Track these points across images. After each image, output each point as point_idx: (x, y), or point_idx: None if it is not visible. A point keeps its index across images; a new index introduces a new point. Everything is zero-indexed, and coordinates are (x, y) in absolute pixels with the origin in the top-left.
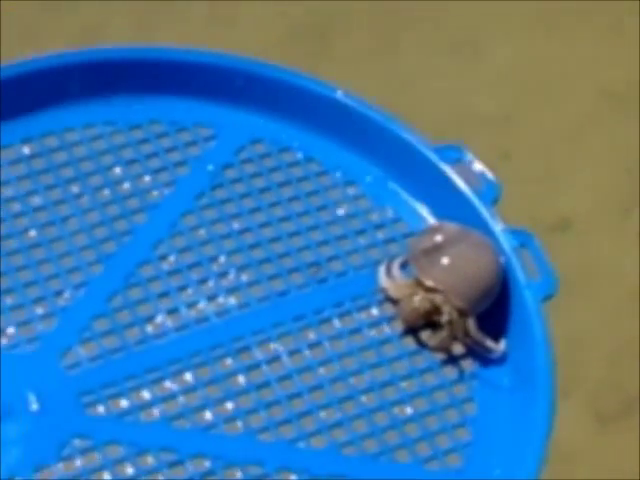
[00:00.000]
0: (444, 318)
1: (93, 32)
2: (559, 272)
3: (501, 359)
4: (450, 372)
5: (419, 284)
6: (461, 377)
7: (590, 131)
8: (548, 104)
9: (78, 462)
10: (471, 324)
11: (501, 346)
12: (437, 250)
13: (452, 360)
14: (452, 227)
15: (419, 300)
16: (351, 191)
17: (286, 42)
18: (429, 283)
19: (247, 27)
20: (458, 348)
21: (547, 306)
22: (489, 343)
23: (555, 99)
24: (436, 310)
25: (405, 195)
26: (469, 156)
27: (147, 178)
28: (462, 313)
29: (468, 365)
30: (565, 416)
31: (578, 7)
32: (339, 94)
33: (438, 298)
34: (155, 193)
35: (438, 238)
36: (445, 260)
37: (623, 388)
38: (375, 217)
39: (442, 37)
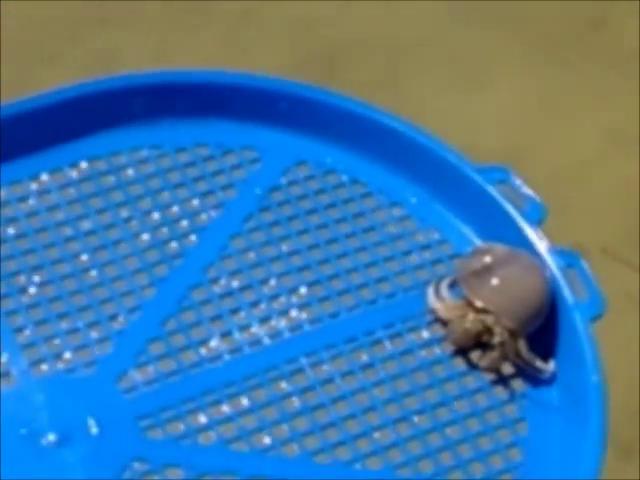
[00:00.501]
0: (496, 339)
1: (109, 58)
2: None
3: (551, 379)
4: (501, 392)
5: (469, 305)
6: (512, 397)
7: (596, 164)
8: (552, 141)
9: None
10: (522, 345)
11: (551, 366)
12: (487, 271)
13: (502, 380)
14: (501, 248)
15: (471, 321)
16: (397, 213)
17: (291, 73)
18: (480, 304)
19: (256, 54)
20: (508, 368)
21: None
22: (539, 363)
23: (559, 136)
24: (487, 331)
25: (450, 216)
26: (513, 177)
27: (195, 201)
28: (513, 334)
29: (518, 385)
30: None
31: (583, 45)
32: (383, 116)
33: (489, 319)
34: (204, 216)
35: (487, 259)
36: (495, 281)
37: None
38: (421, 238)
39: (447, 72)
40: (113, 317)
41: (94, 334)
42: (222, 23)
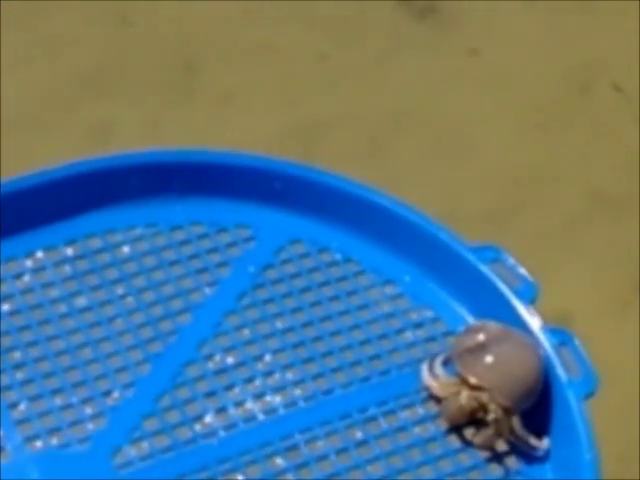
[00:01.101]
0: (490, 416)
1: (99, 131)
2: None
3: (545, 457)
4: (495, 470)
5: (463, 382)
6: (506, 475)
7: (581, 230)
8: (538, 203)
9: None
10: (516, 422)
11: (545, 444)
12: (481, 349)
13: (497, 458)
14: (494, 326)
15: (465, 398)
16: (390, 291)
17: (274, 146)
18: (474, 381)
19: (237, 130)
20: (502, 445)
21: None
22: (533, 441)
23: (545, 198)
24: (481, 408)
25: (444, 294)
26: (505, 255)
27: (189, 279)
28: (507, 411)
29: (512, 463)
30: None
31: (566, 107)
32: (377, 195)
33: (484, 396)
34: (198, 294)
35: (481, 337)
36: (489, 359)
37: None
38: (414, 316)
39: (430, 138)
40: (107, 393)
41: (88, 410)
42: (204, 98)
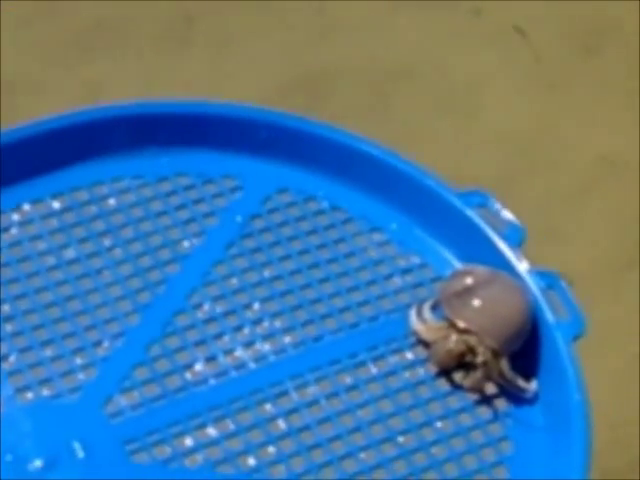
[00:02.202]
0: (479, 359)
1: (97, 85)
2: None
3: (534, 399)
4: (484, 412)
5: (452, 326)
6: (495, 417)
7: (589, 191)
8: (545, 167)
9: None
10: (504, 364)
11: (533, 386)
12: (468, 292)
13: (486, 400)
14: (482, 270)
15: (454, 342)
16: (377, 238)
17: (277, 98)
18: (462, 324)
19: (237, 83)
20: (491, 388)
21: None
22: (522, 383)
23: (552, 162)
24: (470, 351)
25: (431, 240)
26: (493, 201)
27: (177, 229)
28: (495, 354)
29: (501, 405)
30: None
31: (576, 70)
32: (362, 143)
33: (472, 339)
34: (185, 244)
35: (469, 281)
36: (477, 302)
37: (627, 449)
38: (402, 263)
39: (437, 98)
40: (97, 343)
41: (79, 360)
42: (205, 50)
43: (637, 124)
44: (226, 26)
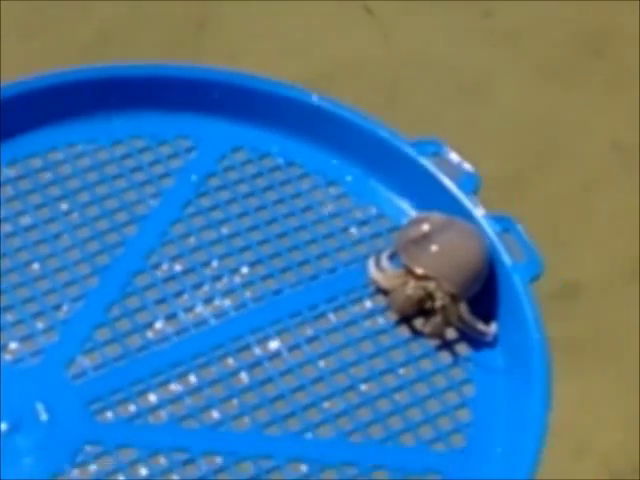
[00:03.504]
0: (438, 304)
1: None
2: (570, 337)
3: (494, 341)
4: (445, 357)
5: (410, 273)
6: (456, 361)
7: (600, 188)
8: (557, 157)
9: (92, 467)
10: (463, 308)
11: (493, 328)
12: (425, 239)
13: (447, 345)
14: (438, 216)
15: (412, 288)
16: (333, 191)
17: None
18: (420, 271)
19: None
20: (451, 333)
21: (560, 370)
22: (481, 326)
23: (565, 152)
24: (429, 297)
25: (386, 191)
26: (446, 149)
27: (133, 191)
28: (454, 298)
29: (462, 349)
30: (579, 478)
31: (585, 67)
32: (314, 98)
33: (430, 285)
34: (142, 205)
35: (425, 227)
36: (434, 248)
37: (637, 451)
38: (359, 214)
39: (447, 92)
40: (57, 307)
41: (40, 324)
42: (216, 57)
43: None
44: (237, 33)
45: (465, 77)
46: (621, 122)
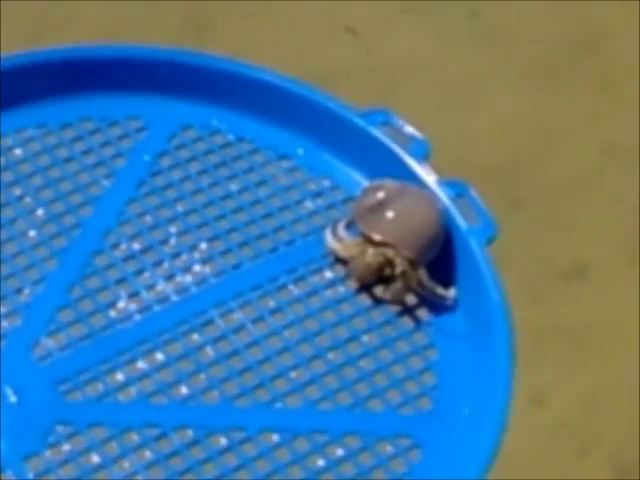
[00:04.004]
0: (397, 269)
1: None
2: (578, 322)
3: (455, 305)
4: (407, 322)
5: (367, 241)
6: (418, 326)
7: (593, 182)
8: (551, 156)
9: (65, 447)
10: (422, 273)
11: (452, 293)
12: (381, 206)
13: (408, 311)
14: (392, 183)
15: (371, 255)
16: (285, 165)
17: None
18: (378, 237)
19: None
20: (411, 299)
21: (565, 360)
22: (441, 290)
23: (557, 152)
24: (388, 263)
25: (338, 162)
26: (395, 118)
27: (85, 173)
28: (413, 263)
29: (423, 314)
30: (585, 472)
31: (579, 61)
32: (261, 73)
33: (389, 251)
34: (96, 187)
35: (380, 195)
36: (390, 214)
37: None
38: (312, 186)
39: (438, 94)
40: (18, 291)
41: (1, 309)
42: None
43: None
44: (239, 34)
45: (452, 80)
46: (613, 119)
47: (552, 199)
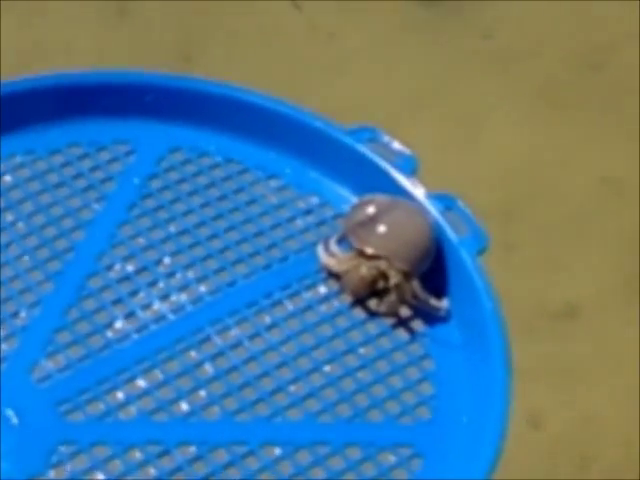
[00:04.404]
0: (392, 281)
1: None
2: (570, 359)
3: (449, 316)
4: (402, 334)
5: (360, 254)
6: (413, 337)
7: (592, 217)
8: (548, 190)
9: (68, 467)
10: (416, 285)
11: (446, 303)
12: (372, 220)
13: (402, 323)
14: (382, 198)
15: (365, 269)
16: (274, 184)
17: None
18: (371, 251)
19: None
20: (405, 311)
21: (559, 394)
22: (434, 302)
23: (555, 185)
24: (382, 276)
25: (327, 180)
26: (382, 134)
27: (76, 198)
28: (406, 275)
29: (418, 326)
30: None
31: (577, 91)
32: (248, 95)
33: (382, 264)
34: (87, 210)
35: (371, 209)
36: (382, 228)
37: None
38: (302, 204)
39: (444, 122)
40: (15, 314)
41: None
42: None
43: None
44: (225, 65)
45: (461, 106)
46: (617, 150)
47: (546, 238)
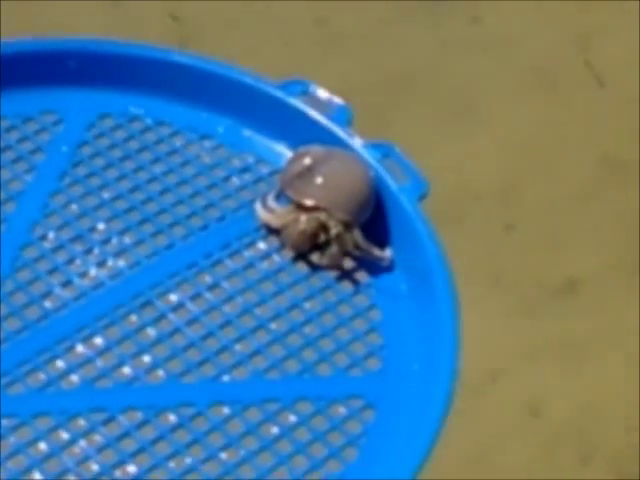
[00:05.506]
0: (332, 232)
1: None
2: (570, 336)
3: (393, 265)
4: (347, 286)
5: (299, 207)
6: (358, 289)
7: (591, 194)
8: (549, 170)
9: (11, 439)
10: (357, 235)
11: (389, 252)
12: (309, 171)
13: (346, 275)
14: (318, 149)
15: (305, 221)
16: (207, 144)
17: None
18: (309, 202)
19: None
20: (348, 262)
21: (560, 372)
22: (377, 251)
23: (556, 165)
24: (322, 228)
25: (260, 137)
26: (313, 86)
27: (5, 170)
28: (347, 226)
29: (362, 277)
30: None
31: (576, 71)
32: (174, 55)
33: (322, 215)
34: (17, 182)
35: (307, 161)
36: (319, 179)
37: None
38: (237, 163)
39: (440, 105)
40: None
41: None
42: None
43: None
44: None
45: (452, 88)
46: (611, 130)
47: (547, 215)
